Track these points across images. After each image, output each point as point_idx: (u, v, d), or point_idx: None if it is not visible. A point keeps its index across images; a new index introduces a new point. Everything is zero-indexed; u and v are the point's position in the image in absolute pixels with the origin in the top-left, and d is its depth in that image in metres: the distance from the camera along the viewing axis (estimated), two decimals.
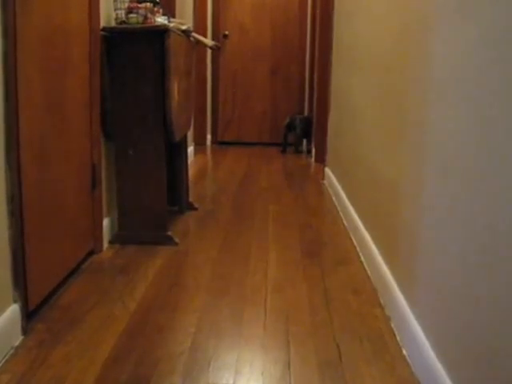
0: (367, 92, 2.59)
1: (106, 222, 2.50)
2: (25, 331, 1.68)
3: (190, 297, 2.02)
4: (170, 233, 2.61)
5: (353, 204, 2.88)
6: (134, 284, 2.12)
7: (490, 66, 1.14)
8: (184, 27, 2.80)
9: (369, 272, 2.28)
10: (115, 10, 2.47)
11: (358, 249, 2.57)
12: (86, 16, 2.22)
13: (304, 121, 5.49)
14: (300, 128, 5.50)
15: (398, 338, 1.72)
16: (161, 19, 2.59)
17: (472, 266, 1.20)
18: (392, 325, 1.81)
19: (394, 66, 2.03)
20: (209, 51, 5.72)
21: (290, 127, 5.58)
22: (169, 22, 2.65)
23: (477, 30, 1.22)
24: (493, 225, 1.10)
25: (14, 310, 1.62)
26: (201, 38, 3.18)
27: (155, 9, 2.58)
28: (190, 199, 3.30)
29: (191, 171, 4.35)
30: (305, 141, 5.74)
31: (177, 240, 2.61)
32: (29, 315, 1.74)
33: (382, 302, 1.99)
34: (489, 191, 1.12)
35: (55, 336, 1.69)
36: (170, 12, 3.31)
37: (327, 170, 4.09)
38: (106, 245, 2.51)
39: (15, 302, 1.64)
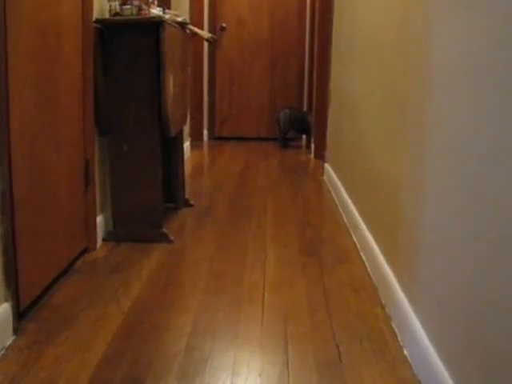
0: (367, 85, 2.59)
1: (99, 219, 2.49)
2: (16, 331, 1.67)
3: (185, 296, 2.01)
4: (165, 230, 2.61)
5: (353, 201, 2.88)
6: (128, 283, 2.11)
7: (494, 58, 1.14)
8: (180, 19, 2.79)
9: (369, 270, 2.27)
10: (109, 1, 2.46)
11: (358, 246, 2.57)
12: (79, 7, 2.21)
13: (290, 115, 5.45)
14: (283, 122, 5.49)
15: (399, 338, 1.72)
16: (156, 11, 2.58)
17: (475, 264, 1.20)
18: (393, 324, 1.81)
19: (394, 58, 2.02)
20: (205, 44, 5.71)
21: (278, 121, 5.58)
22: (164, 13, 2.63)
23: (479, 20, 1.22)
24: (495, 223, 1.10)
25: (5, 309, 1.61)
26: (197, 30, 3.17)
27: (150, 0, 2.56)
28: (186, 196, 3.29)
29: (187, 167, 4.34)
30: (304, 136, 5.73)
31: (172, 237, 2.61)
32: (20, 315, 1.73)
33: (382, 301, 1.99)
34: (492, 189, 1.12)
35: (47, 336, 1.68)
36: (165, 3, 3.30)
37: (327, 166, 4.09)
38: (99, 243, 2.50)
39: (6, 301, 1.63)
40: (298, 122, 5.47)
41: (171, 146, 3.06)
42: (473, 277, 1.21)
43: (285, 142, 5.64)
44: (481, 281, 1.16)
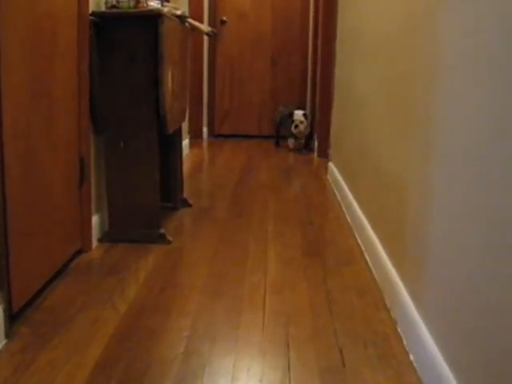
0: (372, 82, 2.58)
1: (95, 219, 2.49)
2: (8, 335, 1.67)
3: (183, 298, 2.01)
4: (162, 231, 2.61)
5: (357, 200, 2.87)
6: (124, 285, 2.11)
7: (501, 51, 1.13)
8: (179, 12, 2.78)
9: (374, 272, 2.27)
10: None
11: (362, 248, 2.57)
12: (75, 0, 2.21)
13: (282, 112, 5.44)
14: (275, 120, 5.53)
15: (404, 343, 1.72)
16: (154, 3, 2.58)
17: (484, 266, 1.19)
18: (398, 329, 1.81)
19: (400, 54, 2.02)
20: (205, 38, 5.71)
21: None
22: (162, 6, 2.63)
23: (484, 11, 1.21)
24: (505, 223, 1.09)
25: None
26: (196, 23, 3.16)
27: None
28: (185, 195, 3.29)
29: (186, 165, 4.34)
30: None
31: (170, 238, 2.60)
32: (12, 318, 1.73)
33: (388, 304, 1.98)
34: (501, 188, 1.12)
35: (40, 340, 1.68)
36: None
37: (331, 165, 4.08)
38: (94, 243, 2.50)
39: None
40: (288, 121, 5.41)
41: (169, 144, 3.06)
42: (482, 280, 1.20)
43: (278, 141, 5.60)
44: (489, 286, 1.16)
